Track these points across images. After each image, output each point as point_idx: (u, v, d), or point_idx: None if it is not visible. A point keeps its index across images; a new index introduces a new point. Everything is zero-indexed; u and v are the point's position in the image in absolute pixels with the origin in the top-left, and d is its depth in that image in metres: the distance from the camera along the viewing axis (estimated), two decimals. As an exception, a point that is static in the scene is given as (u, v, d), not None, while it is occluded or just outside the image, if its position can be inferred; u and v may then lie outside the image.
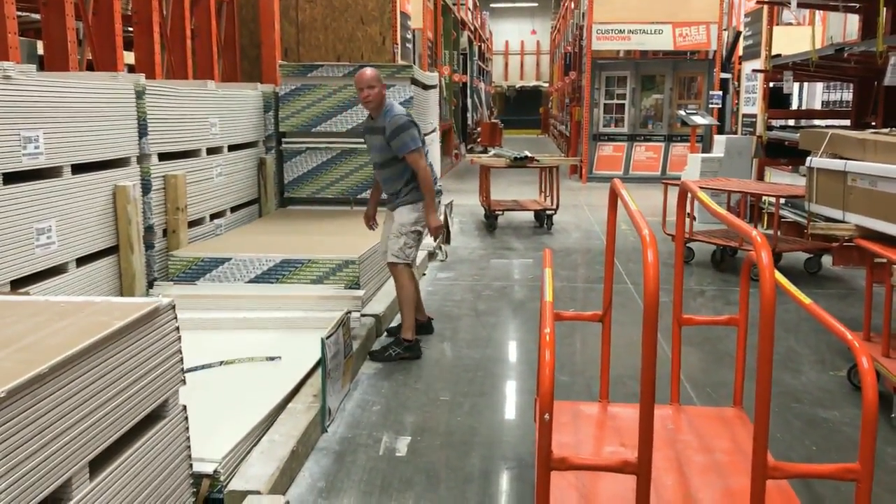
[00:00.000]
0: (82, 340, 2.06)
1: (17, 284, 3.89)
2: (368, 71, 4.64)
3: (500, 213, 9.75)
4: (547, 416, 2.02)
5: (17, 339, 2.08)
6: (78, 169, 4.37)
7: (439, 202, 4.82)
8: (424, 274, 6.97)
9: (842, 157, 4.61)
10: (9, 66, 3.82)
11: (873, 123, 7.35)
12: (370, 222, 5.12)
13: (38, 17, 5.84)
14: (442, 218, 4.68)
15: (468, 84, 22.72)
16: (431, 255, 7.52)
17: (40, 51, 6.75)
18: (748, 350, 3.10)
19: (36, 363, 1.89)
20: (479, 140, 23.53)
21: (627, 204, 2.56)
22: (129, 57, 7.01)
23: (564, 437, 2.97)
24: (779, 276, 2.55)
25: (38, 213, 4.02)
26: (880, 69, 5.80)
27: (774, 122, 9.52)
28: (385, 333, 5.13)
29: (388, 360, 4.69)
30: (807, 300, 2.52)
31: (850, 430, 3.76)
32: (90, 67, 6.06)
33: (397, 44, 10.12)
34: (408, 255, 4.73)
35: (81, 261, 4.43)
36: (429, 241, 7.73)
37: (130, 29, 6.74)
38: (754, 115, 9.77)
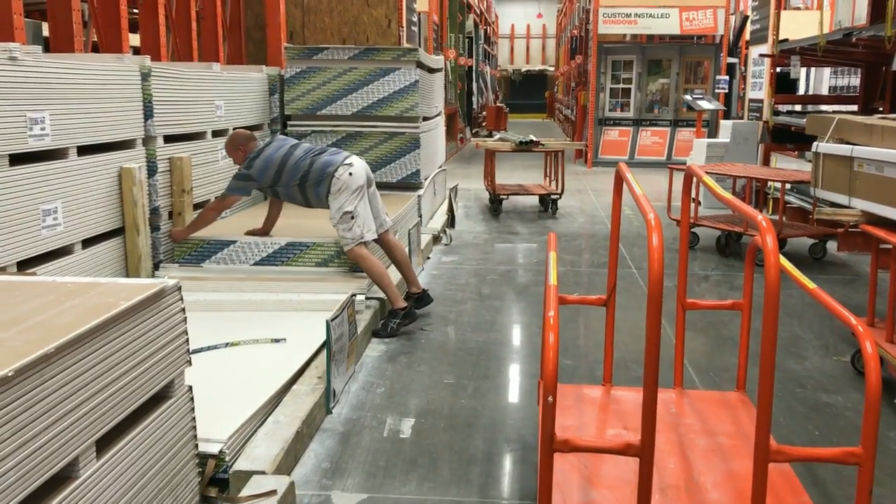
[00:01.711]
0: (89, 321, 2.07)
1: (24, 265, 3.90)
2: (226, 142, 5.37)
3: (505, 197, 9.74)
4: (550, 399, 2.03)
5: (25, 318, 2.10)
6: (84, 150, 4.38)
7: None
8: (429, 258, 6.98)
9: (848, 143, 4.60)
10: (14, 47, 3.82)
11: (881, 109, 7.32)
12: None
13: (43, -2, 5.83)
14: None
15: (474, 68, 22.64)
16: (436, 239, 7.53)
17: (46, 32, 6.75)
18: (752, 335, 3.11)
19: (43, 343, 1.90)
20: (484, 124, 23.47)
21: (633, 188, 2.55)
22: (135, 39, 7.00)
23: (568, 419, 2.99)
24: (784, 260, 2.55)
25: (44, 195, 4.03)
26: (888, 54, 5.78)
27: (781, 108, 9.48)
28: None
29: (392, 335, 4.79)
30: (811, 285, 2.52)
31: (852, 414, 3.77)
32: (95, 49, 6.06)
33: (403, 27, 10.09)
34: (351, 237, 4.82)
35: (87, 242, 4.44)
36: (434, 225, 7.75)
37: (136, 11, 6.72)
38: (761, 100, 9.74)
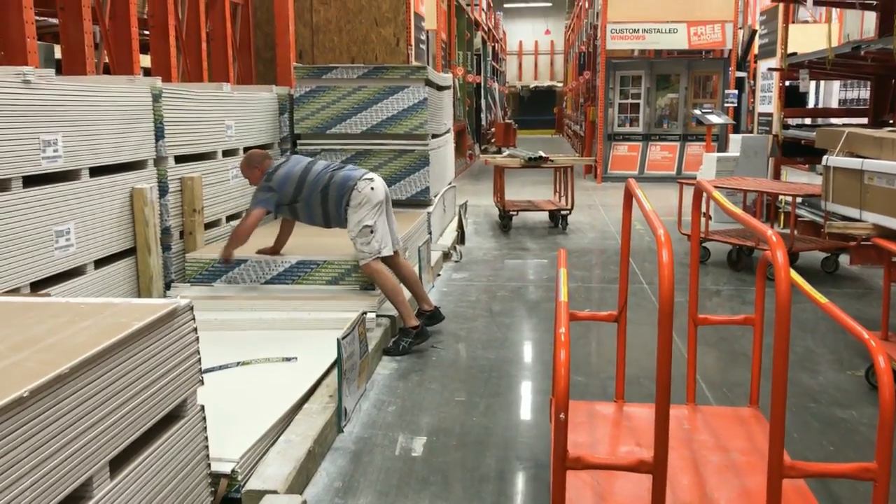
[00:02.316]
0: (102, 341, 2.08)
1: (37, 286, 3.93)
2: (241, 162, 5.36)
3: (515, 213, 9.75)
4: (563, 416, 2.02)
5: (39, 339, 2.11)
6: (96, 172, 4.42)
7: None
8: (439, 275, 6.98)
9: (858, 156, 4.59)
10: (28, 70, 3.87)
11: (891, 122, 7.30)
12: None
13: (55, 21, 5.89)
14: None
15: (482, 84, 22.73)
16: (446, 256, 7.53)
17: (58, 55, 6.82)
18: (764, 350, 3.09)
19: (57, 363, 1.92)
20: (493, 140, 23.52)
21: (642, 204, 2.56)
22: (146, 60, 7.06)
23: (580, 436, 2.98)
24: (795, 275, 2.55)
25: (56, 216, 4.07)
26: (897, 67, 5.77)
27: (791, 121, 9.46)
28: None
29: (403, 353, 4.79)
30: (823, 299, 2.51)
31: (867, 429, 3.74)
32: (107, 71, 6.12)
33: (411, 45, 10.15)
34: (369, 251, 4.85)
35: (99, 263, 4.47)
36: (444, 242, 7.76)
37: (147, 32, 6.79)
38: (770, 114, 9.73)
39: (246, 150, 6.51)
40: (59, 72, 5.76)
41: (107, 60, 6.03)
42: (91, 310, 2.38)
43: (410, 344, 4.84)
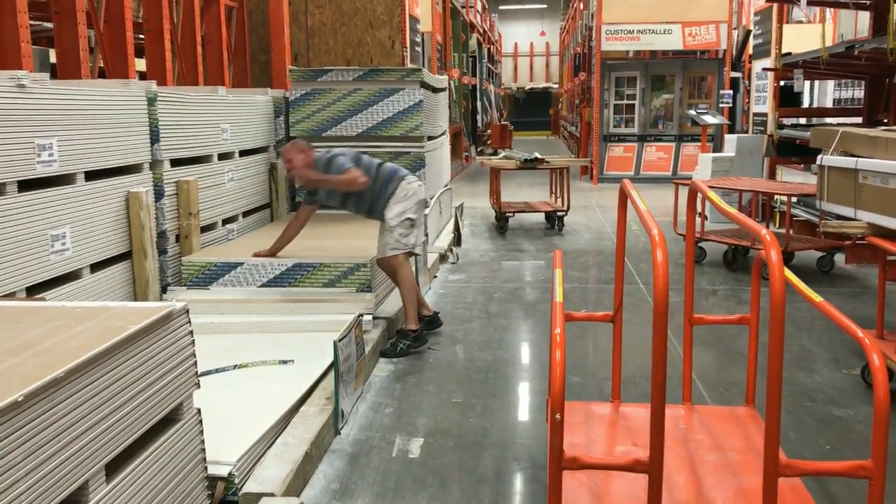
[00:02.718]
0: (98, 345, 2.08)
1: (33, 291, 3.93)
2: (286, 147, 5.11)
3: (511, 214, 9.75)
4: (558, 416, 2.03)
5: (35, 343, 2.11)
6: (91, 176, 4.42)
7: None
8: (436, 276, 6.98)
9: (853, 155, 4.60)
10: (22, 74, 3.87)
11: (885, 120, 7.32)
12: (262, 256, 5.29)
13: (50, 25, 5.90)
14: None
15: (478, 86, 22.75)
16: (443, 258, 7.54)
17: (53, 59, 6.82)
18: (760, 349, 3.10)
19: (53, 367, 1.92)
20: (489, 142, 23.54)
21: (637, 204, 2.56)
22: (141, 64, 7.07)
23: (576, 437, 2.98)
24: (789, 274, 2.55)
25: (52, 220, 4.06)
26: (891, 66, 5.79)
27: (785, 121, 9.49)
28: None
29: (400, 355, 4.79)
30: (818, 298, 2.52)
31: (864, 428, 3.75)
32: (102, 75, 6.12)
33: (406, 47, 10.15)
34: (405, 243, 4.91)
35: (95, 266, 4.47)
36: (441, 244, 7.76)
37: (142, 36, 6.80)
38: (765, 114, 9.75)
39: (242, 153, 6.53)
40: (53, 76, 5.76)
41: (102, 64, 6.04)
42: (86, 313, 2.38)
43: (408, 347, 4.84)
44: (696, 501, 2.55)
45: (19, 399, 1.77)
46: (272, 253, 5.32)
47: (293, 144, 5.12)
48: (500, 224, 9.55)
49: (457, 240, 8.45)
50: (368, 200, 5.01)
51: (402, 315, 4.98)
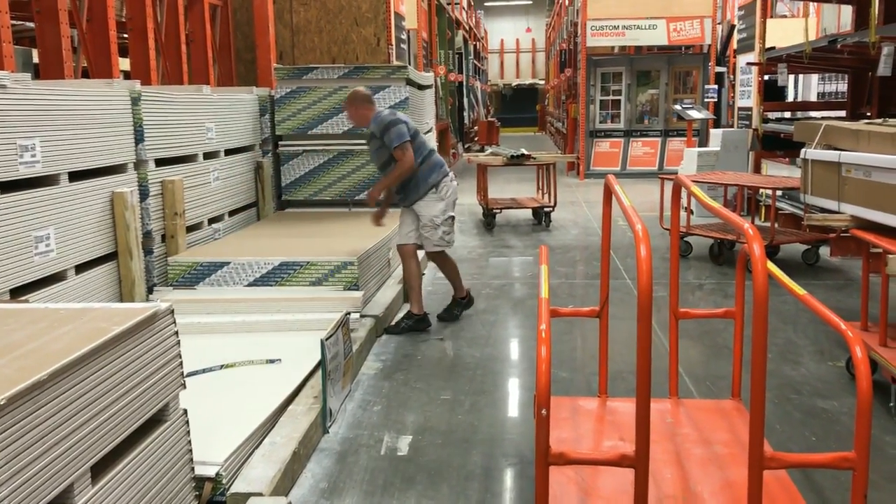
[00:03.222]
0: (82, 346, 2.07)
1: (17, 293, 3.90)
2: (350, 93, 5.36)
3: (498, 211, 9.76)
4: (544, 412, 2.03)
5: (18, 346, 2.10)
6: (75, 176, 4.39)
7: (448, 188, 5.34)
8: (424, 273, 6.97)
9: (836, 149, 4.63)
10: (4, 75, 3.84)
11: (868, 114, 7.37)
12: (379, 221, 5.61)
13: (32, 25, 5.85)
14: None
15: (464, 83, 22.73)
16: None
17: (35, 59, 6.77)
18: (746, 342, 3.11)
19: (36, 370, 1.91)
20: (476, 139, 23.55)
21: (621, 200, 2.57)
22: (125, 63, 7.02)
23: (564, 432, 2.99)
24: (773, 267, 2.57)
25: (36, 221, 4.04)
26: (874, 60, 5.83)
27: (770, 115, 9.54)
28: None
29: (401, 332, 5.21)
30: (801, 291, 2.53)
31: (848, 419, 3.78)
32: (85, 75, 6.08)
33: (392, 45, 10.13)
34: (448, 241, 5.38)
35: (80, 268, 4.44)
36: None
37: (125, 35, 6.75)
38: (750, 108, 9.79)
39: (227, 152, 6.51)
40: (36, 76, 5.73)
41: (85, 64, 5.99)
42: (70, 315, 2.37)
43: (410, 328, 5.24)
44: (683, 495, 2.56)
45: (2, 402, 1.76)
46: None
47: (355, 95, 5.29)
48: (488, 220, 9.55)
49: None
50: (407, 180, 5.19)
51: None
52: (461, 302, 5.59)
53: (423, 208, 5.23)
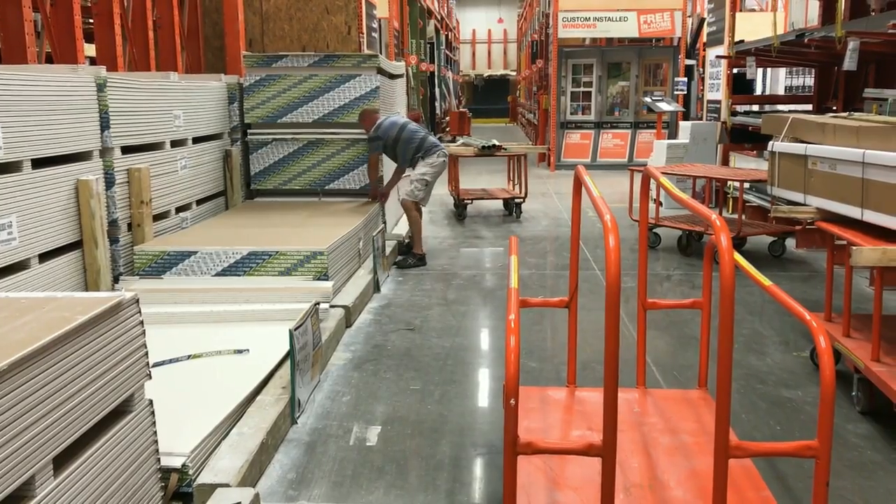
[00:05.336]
0: (43, 336, 2.03)
1: (-22, 282, 3.83)
2: (360, 112, 7.16)
3: (469, 202, 9.77)
4: (513, 402, 2.03)
5: (-23, 336, 2.05)
6: (38, 163, 4.31)
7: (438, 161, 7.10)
8: (395, 264, 6.96)
9: (803, 142, 4.68)
10: (-36, 59, 3.75)
11: (834, 108, 7.46)
12: (383, 198, 7.29)
13: (-6, 9, 5.71)
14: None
15: (436, 73, 22.66)
16: (401, 245, 7.51)
17: (-2, 44, 6.62)
18: (712, 332, 3.14)
19: (-5, 360, 1.87)
20: (447, 129, 23.50)
21: (590, 191, 2.58)
22: (90, 49, 6.90)
23: (533, 422, 3.00)
24: (739, 258, 2.59)
25: (-3, 209, 3.96)
26: (840, 54, 5.89)
27: (739, 108, 9.63)
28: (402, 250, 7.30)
29: (409, 267, 6.78)
30: (767, 282, 2.56)
31: (812, 409, 3.84)
32: (49, 60, 5.96)
33: (363, 33, 10.05)
34: (415, 196, 6.96)
35: (44, 256, 4.36)
36: (398, 232, 7.74)
37: (91, 21, 6.63)
38: (719, 101, 9.88)
39: (195, 140, 6.43)
40: (-2, 61, 5.59)
41: (49, 49, 5.87)
42: (32, 304, 2.32)
43: (414, 264, 6.82)
44: (650, 483, 2.58)
45: (-40, 393, 1.72)
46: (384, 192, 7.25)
47: (366, 111, 7.09)
48: (459, 211, 9.55)
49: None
50: (410, 157, 6.97)
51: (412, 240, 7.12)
52: (416, 255, 6.87)
53: (415, 170, 6.96)
